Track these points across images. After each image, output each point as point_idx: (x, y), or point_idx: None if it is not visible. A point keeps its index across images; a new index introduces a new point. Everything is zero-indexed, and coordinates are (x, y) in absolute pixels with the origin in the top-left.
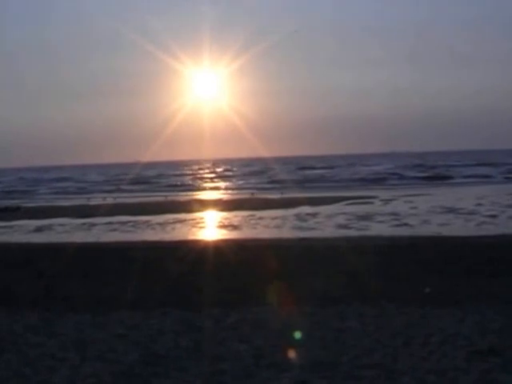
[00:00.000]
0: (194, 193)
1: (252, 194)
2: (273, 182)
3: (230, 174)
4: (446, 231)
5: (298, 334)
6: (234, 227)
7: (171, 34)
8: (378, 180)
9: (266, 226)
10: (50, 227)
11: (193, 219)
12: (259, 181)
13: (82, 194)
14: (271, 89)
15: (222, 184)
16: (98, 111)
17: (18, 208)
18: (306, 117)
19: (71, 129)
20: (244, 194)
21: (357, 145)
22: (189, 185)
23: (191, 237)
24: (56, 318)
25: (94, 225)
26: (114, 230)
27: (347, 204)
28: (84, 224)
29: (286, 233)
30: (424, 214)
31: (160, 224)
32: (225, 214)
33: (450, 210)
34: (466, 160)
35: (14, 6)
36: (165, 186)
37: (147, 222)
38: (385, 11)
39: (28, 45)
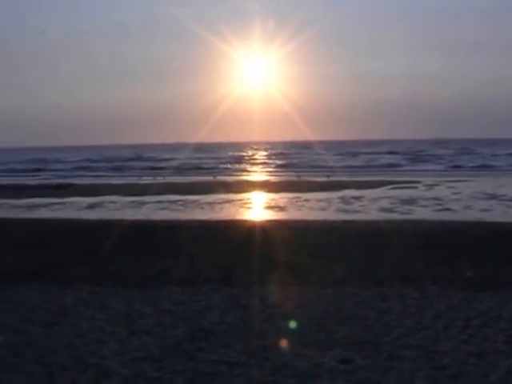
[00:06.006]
0: (240, 174)
1: (298, 176)
2: (318, 165)
3: (277, 156)
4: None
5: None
6: (280, 208)
7: (224, 19)
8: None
9: (311, 208)
10: (100, 204)
11: (240, 200)
12: (305, 163)
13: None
14: (320, 74)
15: (269, 166)
16: (152, 93)
17: (69, 185)
18: (353, 102)
19: (124, 109)
20: (290, 177)
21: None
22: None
23: (238, 216)
24: (106, 292)
25: (143, 203)
26: (164, 208)
27: (391, 188)
28: (134, 202)
29: (331, 215)
30: (466, 199)
31: (208, 203)
32: (271, 196)
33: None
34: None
35: None
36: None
37: (196, 201)
38: None
39: (91, 26)
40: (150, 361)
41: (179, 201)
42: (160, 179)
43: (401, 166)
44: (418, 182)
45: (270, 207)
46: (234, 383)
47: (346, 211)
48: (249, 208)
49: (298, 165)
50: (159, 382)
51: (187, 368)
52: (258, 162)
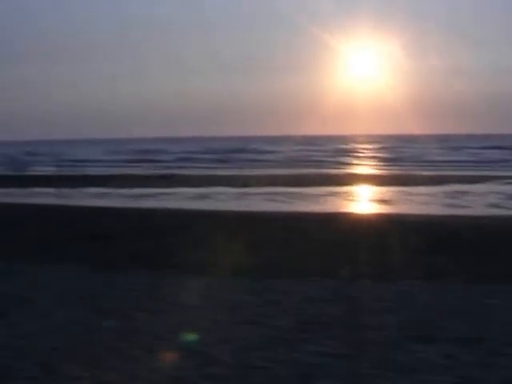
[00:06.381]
0: (345, 167)
1: (402, 170)
2: (424, 159)
3: (382, 149)
4: None
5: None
6: (385, 202)
7: (329, 12)
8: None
9: (417, 202)
10: (205, 195)
11: (345, 192)
12: (411, 157)
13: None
14: (426, 67)
15: (374, 159)
16: (258, 85)
17: (172, 176)
18: (459, 95)
19: (230, 102)
20: (395, 170)
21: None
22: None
23: (343, 209)
24: (211, 282)
25: (249, 194)
26: (270, 200)
27: (498, 183)
28: (239, 193)
29: (436, 209)
30: None
31: (313, 196)
32: (376, 189)
33: None
34: None
35: None
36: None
37: (301, 193)
38: None
39: (186, 19)
40: (254, 350)
41: (285, 193)
42: (264, 171)
43: (508, 161)
44: None
45: (374, 200)
46: (337, 375)
47: (451, 206)
48: (353, 201)
49: (403, 158)
50: (263, 372)
51: (291, 358)
52: (362, 155)
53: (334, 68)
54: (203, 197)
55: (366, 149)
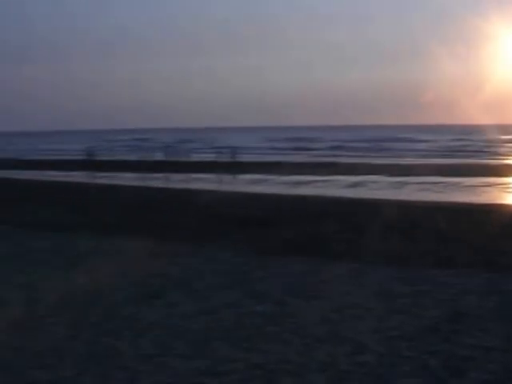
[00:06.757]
0: (504, 158)
1: None
2: None
3: None
4: None
5: None
6: None
7: None
8: None
9: None
10: (361, 183)
11: (503, 183)
12: None
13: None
14: None
15: None
16: (410, 74)
17: (330, 164)
18: None
19: (381, 90)
20: None
21: None
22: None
23: (502, 200)
24: (365, 270)
25: (405, 183)
26: (425, 189)
27: None
28: (397, 182)
29: None
30: None
31: (470, 186)
32: None
33: None
34: None
35: None
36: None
37: (458, 183)
38: None
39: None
40: (404, 340)
41: (440, 182)
42: (420, 160)
43: None
44: None
45: None
46: (489, 368)
47: None
48: (509, 192)
49: None
50: (413, 362)
51: (442, 350)
52: None
53: (491, 55)
54: (358, 185)
55: None
